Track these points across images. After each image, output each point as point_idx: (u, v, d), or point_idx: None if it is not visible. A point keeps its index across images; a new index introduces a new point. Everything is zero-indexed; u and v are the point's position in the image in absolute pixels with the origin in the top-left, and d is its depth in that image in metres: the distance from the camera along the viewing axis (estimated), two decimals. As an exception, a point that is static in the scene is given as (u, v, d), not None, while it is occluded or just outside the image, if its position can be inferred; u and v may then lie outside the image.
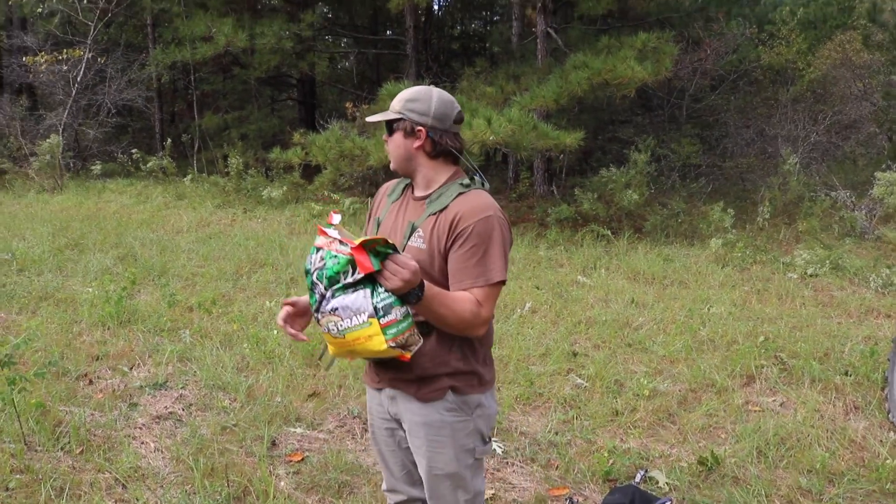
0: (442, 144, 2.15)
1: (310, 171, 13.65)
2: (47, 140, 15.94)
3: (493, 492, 3.43)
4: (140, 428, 4.09)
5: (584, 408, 4.41)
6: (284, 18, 17.06)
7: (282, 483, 3.52)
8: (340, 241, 1.93)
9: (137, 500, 3.30)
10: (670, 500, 3.24)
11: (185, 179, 14.81)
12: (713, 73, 15.46)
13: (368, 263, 1.85)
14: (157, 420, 4.19)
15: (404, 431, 2.26)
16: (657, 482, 3.51)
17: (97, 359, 5.14)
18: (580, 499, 3.40)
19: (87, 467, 3.61)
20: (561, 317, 6.32)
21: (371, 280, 1.89)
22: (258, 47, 16.36)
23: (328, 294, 1.93)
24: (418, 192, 2.21)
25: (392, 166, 2.22)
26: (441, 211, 2.09)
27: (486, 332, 2.13)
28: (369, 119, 2.26)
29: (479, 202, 2.09)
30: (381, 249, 1.87)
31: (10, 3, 21.27)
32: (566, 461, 3.73)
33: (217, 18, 16.26)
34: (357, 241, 1.87)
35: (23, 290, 6.87)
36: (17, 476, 3.47)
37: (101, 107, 18.74)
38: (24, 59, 19.07)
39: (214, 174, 15.08)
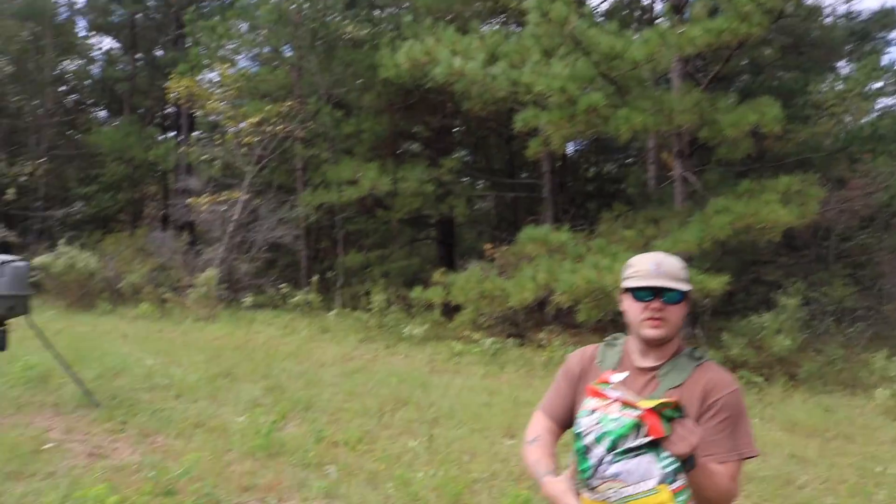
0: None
1: (450, 310, 13.90)
2: (204, 273, 17.06)
3: None
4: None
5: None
6: (425, 164, 17.91)
7: None
8: (623, 403, 1.86)
9: None
10: None
11: (329, 314, 15.39)
12: (863, 212, 14.91)
13: (661, 428, 1.80)
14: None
15: None
16: None
17: (247, 489, 5.26)
18: None
19: None
20: (713, 470, 5.98)
21: (654, 444, 1.82)
22: (400, 190, 17.16)
23: (607, 458, 1.82)
24: (645, 363, 2.19)
25: (658, 334, 2.14)
26: (680, 385, 2.08)
27: None
28: (654, 284, 2.13)
29: (723, 375, 2.12)
30: (670, 414, 1.83)
31: (179, 151, 23.52)
32: None
33: (362, 164, 17.31)
34: (646, 405, 1.83)
35: (179, 416, 7.22)
36: None
37: (254, 243, 20.01)
38: (188, 199, 20.84)
39: (358, 310, 15.59)
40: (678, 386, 2.08)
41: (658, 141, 14.72)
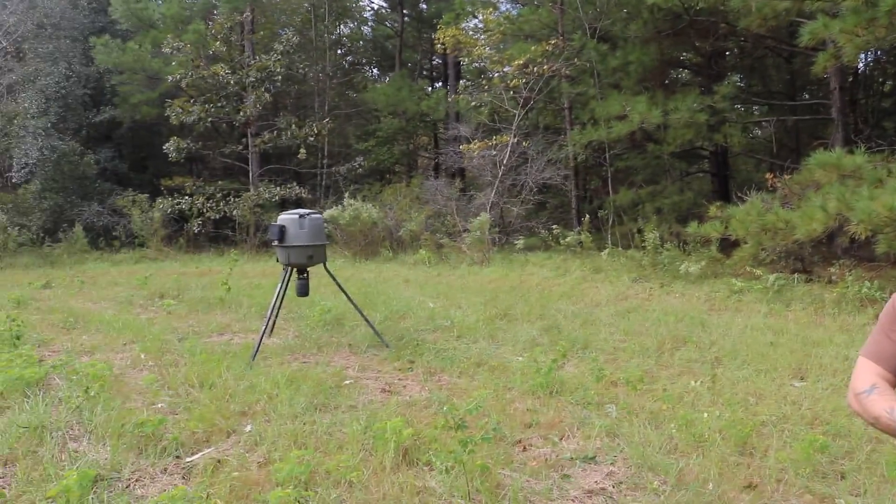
0: None
1: (728, 245, 13.14)
2: (478, 217, 17.60)
3: None
4: (572, 500, 4.11)
5: None
6: (697, 92, 16.98)
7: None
8: None
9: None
10: None
11: (601, 253, 15.23)
12: None
13: None
14: (588, 495, 4.19)
15: None
16: None
17: (529, 426, 5.35)
18: None
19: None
20: None
21: None
22: (671, 122, 16.47)
23: None
24: None
25: None
26: None
27: None
28: None
29: None
30: None
31: (448, 100, 24.31)
32: None
33: (630, 98, 16.75)
34: None
35: (462, 356, 7.53)
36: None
37: (524, 186, 20.28)
38: (459, 147, 21.54)
39: (630, 248, 15.29)
40: None
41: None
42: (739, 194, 13.69)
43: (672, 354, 7.36)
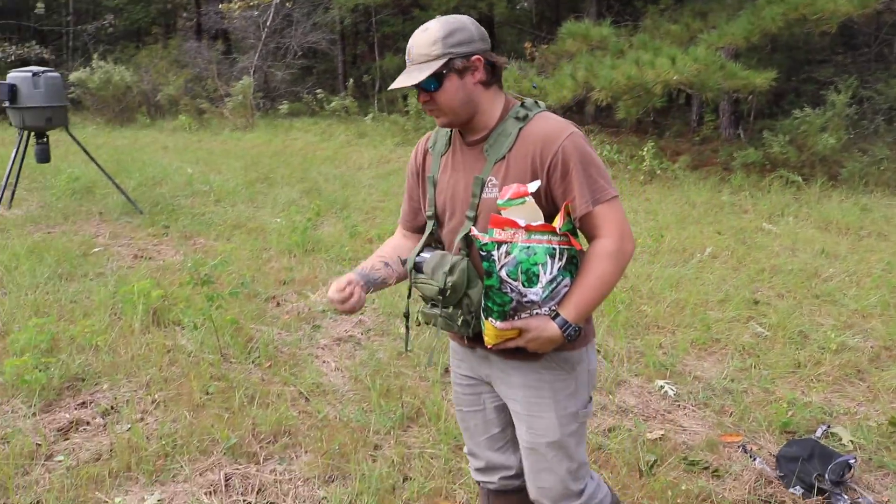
0: (498, 65, 1.86)
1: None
2: (240, 82, 16.93)
3: (662, 433, 3.37)
4: (322, 348, 4.34)
5: (763, 357, 4.21)
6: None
7: (453, 408, 3.63)
8: (528, 230, 1.71)
9: (318, 412, 3.52)
10: (854, 458, 3.05)
11: (366, 119, 15.32)
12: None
13: (578, 243, 1.74)
14: (337, 342, 4.43)
15: (492, 392, 2.09)
16: (840, 439, 3.31)
17: (284, 283, 5.49)
18: (754, 447, 3.28)
19: (275, 380, 3.89)
20: (743, 263, 6.04)
21: (568, 264, 1.76)
22: (435, -13, 16.47)
23: (530, 290, 1.72)
24: (471, 137, 1.91)
25: (444, 122, 1.88)
26: (507, 154, 1.82)
27: (632, 253, 1.84)
28: (398, 85, 1.83)
29: (552, 124, 1.81)
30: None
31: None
32: (741, 409, 3.59)
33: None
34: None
35: (219, 219, 7.44)
36: (216, 383, 3.79)
37: (289, 49, 19.62)
38: (219, 6, 20.25)
39: (395, 113, 15.47)
40: (503, 157, 1.82)
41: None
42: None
43: (426, 214, 7.72)
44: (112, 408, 3.60)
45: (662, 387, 3.81)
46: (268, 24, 19.05)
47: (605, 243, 1.78)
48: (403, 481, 3.00)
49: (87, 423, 3.46)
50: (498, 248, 1.71)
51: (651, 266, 5.85)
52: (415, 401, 3.63)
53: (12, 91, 7.20)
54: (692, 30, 11.21)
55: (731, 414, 3.58)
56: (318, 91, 17.55)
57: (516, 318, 1.76)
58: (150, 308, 4.60)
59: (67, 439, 3.32)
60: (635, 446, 3.19)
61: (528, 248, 1.71)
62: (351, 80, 17.97)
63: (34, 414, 3.50)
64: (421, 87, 1.81)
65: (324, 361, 4.16)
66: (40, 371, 3.72)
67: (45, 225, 7.45)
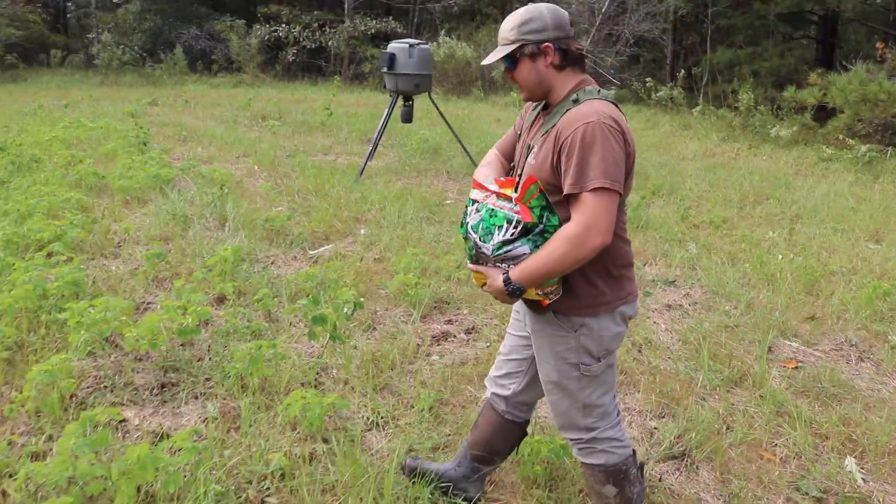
0: (571, 51, 2.11)
1: (823, 114, 13.01)
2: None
3: None
4: (653, 311, 4.69)
5: None
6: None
7: (775, 381, 3.80)
8: (498, 196, 2.06)
9: (651, 361, 3.89)
10: None
11: (692, 111, 15.22)
12: None
13: (530, 215, 1.99)
14: (667, 308, 4.75)
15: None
16: None
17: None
18: None
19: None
20: None
21: (527, 234, 2.00)
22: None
23: (485, 245, 2.05)
24: (545, 110, 2.20)
25: (525, 97, 2.19)
26: (550, 129, 2.07)
27: (600, 248, 1.95)
28: (486, 62, 2.23)
29: (581, 112, 1.99)
30: (536, 203, 2.00)
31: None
32: None
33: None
34: (511, 193, 2.05)
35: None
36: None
37: (620, 37, 19.89)
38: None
39: (722, 108, 15.21)
40: (546, 132, 2.07)
41: None
42: (844, 63, 13.33)
43: (754, 207, 7.70)
44: (472, 328, 4.25)
45: None
46: (603, 10, 19.48)
47: (569, 226, 1.96)
48: (727, 429, 3.28)
49: (454, 336, 4.14)
50: (472, 205, 2.12)
51: None
52: (742, 366, 3.85)
53: (391, 59, 8.33)
54: None
55: None
56: (648, 80, 17.67)
57: (479, 264, 2.12)
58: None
59: (440, 345, 4.02)
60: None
61: (493, 210, 2.05)
62: (682, 71, 17.85)
63: (414, 321, 4.26)
64: (505, 66, 2.15)
65: (654, 322, 4.50)
66: (420, 289, 4.49)
67: (403, 176, 8.58)
